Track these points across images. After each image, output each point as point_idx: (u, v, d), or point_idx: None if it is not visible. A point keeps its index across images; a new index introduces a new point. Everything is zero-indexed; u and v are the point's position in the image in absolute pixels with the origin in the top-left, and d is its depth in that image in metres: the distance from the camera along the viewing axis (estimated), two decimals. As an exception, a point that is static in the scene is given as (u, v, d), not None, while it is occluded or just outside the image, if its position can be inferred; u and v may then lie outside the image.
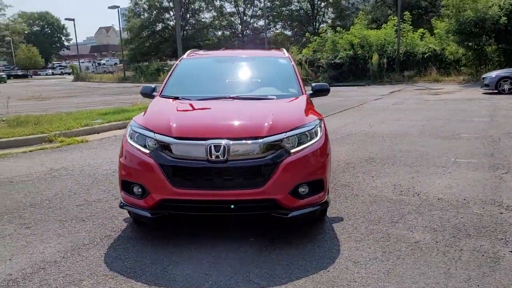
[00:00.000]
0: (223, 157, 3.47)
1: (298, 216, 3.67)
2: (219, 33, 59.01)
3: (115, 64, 65.38)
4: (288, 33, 56.12)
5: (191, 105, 4.34)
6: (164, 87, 4.88)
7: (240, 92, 4.70)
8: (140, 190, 3.64)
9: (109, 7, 48.25)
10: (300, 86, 4.79)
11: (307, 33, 39.77)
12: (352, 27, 31.45)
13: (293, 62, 5.20)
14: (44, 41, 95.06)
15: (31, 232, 4.11)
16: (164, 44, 55.12)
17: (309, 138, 3.78)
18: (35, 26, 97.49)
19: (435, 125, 10.01)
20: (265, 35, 38.73)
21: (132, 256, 3.54)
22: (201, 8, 57.20)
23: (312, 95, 4.86)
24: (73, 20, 53.74)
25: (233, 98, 4.45)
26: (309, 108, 4.32)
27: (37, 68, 77.19)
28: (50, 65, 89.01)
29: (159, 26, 55.84)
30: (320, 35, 33.50)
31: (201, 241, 3.82)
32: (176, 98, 4.55)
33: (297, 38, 51.02)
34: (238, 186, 3.51)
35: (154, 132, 3.69)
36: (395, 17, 29.89)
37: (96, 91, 30.38)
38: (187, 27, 58.45)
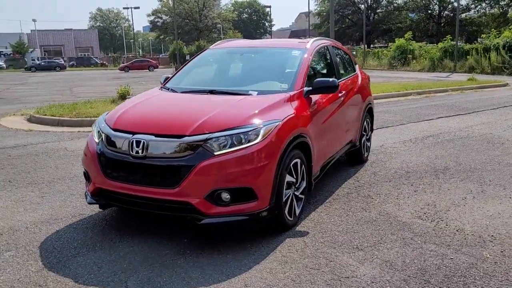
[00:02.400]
0: (142, 153, 3.42)
1: (214, 223, 3.39)
2: (413, 15, 55.05)
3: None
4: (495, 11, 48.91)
5: (159, 97, 4.34)
6: (171, 77, 4.96)
7: (231, 86, 4.49)
8: (87, 176, 3.86)
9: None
10: (297, 81, 4.28)
11: (510, 12, 34.16)
12: None
13: (309, 55, 4.65)
14: (250, 27, 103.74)
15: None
16: (352, 28, 54.33)
17: (243, 141, 3.42)
18: (244, 14, 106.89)
19: None
20: (457, 17, 34.56)
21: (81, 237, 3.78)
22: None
23: (312, 92, 4.31)
24: (269, 6, 57.07)
25: (210, 92, 4.26)
26: (275, 107, 3.83)
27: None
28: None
29: (349, 10, 55.13)
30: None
31: (135, 233, 3.83)
32: (172, 90, 4.59)
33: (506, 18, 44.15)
34: (156, 184, 3.41)
35: (105, 123, 3.84)
36: None
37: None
38: (378, 10, 56.35)
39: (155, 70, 46.26)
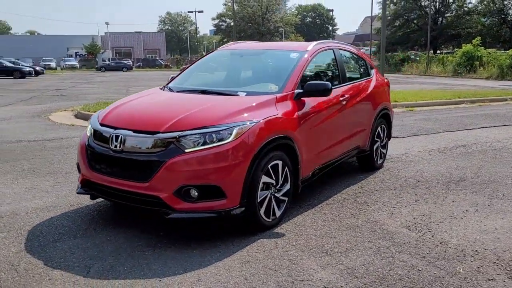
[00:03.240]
0: (119, 147, 3.60)
1: (182, 218, 3.52)
2: (485, 19, 52.15)
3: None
4: None
5: (152, 96, 4.53)
6: (175, 77, 5.15)
7: (226, 86, 4.61)
8: (78, 168, 4.12)
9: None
10: (287, 83, 4.29)
11: None
12: None
13: (306, 58, 4.64)
14: (313, 31, 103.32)
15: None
16: (416, 33, 52.47)
17: (215, 140, 3.50)
18: (308, 18, 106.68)
19: None
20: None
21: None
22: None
23: (303, 95, 4.30)
24: (332, 10, 56.51)
25: (202, 92, 4.38)
26: (257, 108, 3.87)
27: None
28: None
29: (415, 14, 53.28)
30: None
31: (118, 224, 4.02)
32: (170, 89, 4.77)
33: None
34: (130, 177, 3.58)
35: (97, 118, 4.09)
36: None
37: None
38: (447, 14, 54.05)
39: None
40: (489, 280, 3.11)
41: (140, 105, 4.29)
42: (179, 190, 3.44)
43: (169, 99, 4.41)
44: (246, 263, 3.32)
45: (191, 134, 3.49)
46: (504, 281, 3.09)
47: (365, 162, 5.94)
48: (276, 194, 3.97)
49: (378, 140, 5.99)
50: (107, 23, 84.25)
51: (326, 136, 4.70)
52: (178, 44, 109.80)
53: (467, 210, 4.48)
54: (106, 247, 3.55)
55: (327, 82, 4.35)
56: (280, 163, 3.93)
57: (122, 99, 4.60)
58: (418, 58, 43.64)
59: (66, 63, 55.27)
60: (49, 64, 51.90)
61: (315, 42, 5.08)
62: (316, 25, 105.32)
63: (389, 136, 6.39)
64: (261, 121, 3.75)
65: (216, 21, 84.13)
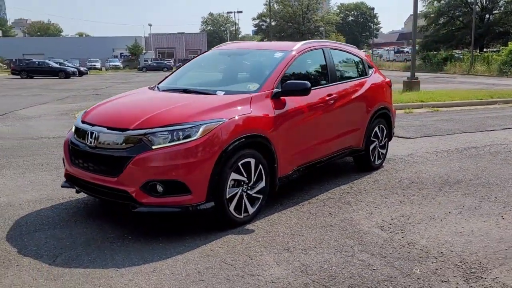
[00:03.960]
0: (93, 143, 3.80)
1: (148, 212, 3.68)
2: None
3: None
4: None
5: (135, 95, 4.71)
6: (167, 76, 5.33)
7: (210, 86, 4.75)
8: (63, 162, 4.36)
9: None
10: (266, 83, 4.36)
11: None
12: None
13: (289, 57, 4.68)
14: (355, 30, 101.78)
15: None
16: (461, 31, 50.59)
17: (181, 137, 3.63)
18: (350, 16, 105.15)
19: None
20: None
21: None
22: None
23: (282, 94, 4.36)
24: (372, 8, 55.48)
25: (184, 91, 4.53)
26: (229, 107, 3.96)
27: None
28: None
29: (460, 11, 51.38)
30: None
31: (99, 216, 4.23)
32: (158, 88, 4.95)
33: None
34: (103, 172, 3.77)
35: (81, 116, 4.32)
36: None
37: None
38: (494, 10, 51.83)
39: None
40: (442, 281, 3.07)
41: (121, 103, 4.48)
42: (146, 185, 3.59)
43: (149, 98, 4.58)
44: (205, 256, 3.43)
45: (158, 132, 3.64)
46: (458, 284, 3.04)
47: (361, 162, 5.90)
48: (248, 192, 4.05)
49: (376, 140, 5.93)
50: (150, 25, 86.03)
51: (309, 135, 4.73)
52: (219, 44, 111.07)
53: (450, 212, 4.40)
54: (79, 238, 3.76)
55: (306, 82, 4.38)
56: (252, 161, 4.01)
57: (109, 98, 4.81)
58: (462, 57, 42.18)
59: (110, 63, 57.25)
60: (94, 65, 53.90)
61: (303, 42, 5.12)
62: (359, 24, 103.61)
63: (389, 137, 6.30)
64: (230, 119, 3.84)
65: (257, 21, 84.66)
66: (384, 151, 6.17)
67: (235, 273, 3.18)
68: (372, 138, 5.83)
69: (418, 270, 3.22)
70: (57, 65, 36.42)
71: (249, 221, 4.10)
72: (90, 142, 3.83)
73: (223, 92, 4.33)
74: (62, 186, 4.31)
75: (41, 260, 3.34)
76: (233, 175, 3.86)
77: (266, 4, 79.91)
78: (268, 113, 4.20)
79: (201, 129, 3.66)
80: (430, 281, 3.08)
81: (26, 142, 7.88)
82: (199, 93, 4.42)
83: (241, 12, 71.52)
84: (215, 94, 4.31)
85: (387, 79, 6.36)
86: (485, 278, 3.11)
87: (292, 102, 4.49)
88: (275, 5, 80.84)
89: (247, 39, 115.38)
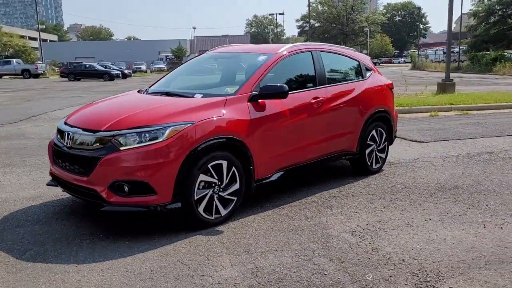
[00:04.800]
0: (69, 144, 4.00)
1: (115, 211, 3.83)
2: None
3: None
4: None
5: (121, 98, 4.87)
6: (159, 79, 5.49)
7: (192, 89, 4.84)
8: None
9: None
10: (244, 86, 4.40)
11: None
12: None
13: (271, 61, 4.69)
14: (403, 30, 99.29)
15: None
16: (513, 29, 48.20)
17: (148, 139, 3.74)
18: (397, 16, 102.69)
19: None
20: None
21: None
22: None
23: (259, 97, 4.39)
24: (419, 8, 53.89)
25: (166, 94, 4.67)
26: (201, 110, 4.04)
27: (387, 56, 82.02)
28: (405, 54, 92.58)
29: (511, 9, 48.95)
30: None
31: (81, 214, 4.42)
32: (146, 91, 5.11)
33: None
34: (76, 172, 3.95)
35: (65, 118, 4.53)
36: None
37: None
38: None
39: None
40: (390, 289, 3.01)
41: (103, 106, 4.65)
42: (113, 185, 3.73)
43: (129, 100, 4.74)
44: (164, 256, 3.52)
45: (127, 133, 3.77)
46: (405, 292, 2.97)
47: (357, 166, 5.81)
48: (220, 193, 4.10)
49: (373, 144, 5.81)
50: (194, 28, 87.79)
51: (292, 137, 4.72)
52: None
53: (430, 219, 4.27)
54: (54, 234, 3.95)
55: (283, 85, 4.38)
56: (224, 163, 4.06)
57: (97, 100, 5.01)
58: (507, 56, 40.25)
59: (155, 66, 58.77)
60: (140, 67, 55.55)
61: (290, 45, 5.12)
62: (406, 24, 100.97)
63: (390, 141, 6.15)
64: (199, 122, 3.91)
65: (300, 23, 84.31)
66: (383, 155, 6.04)
67: (186, 273, 3.24)
68: (368, 142, 5.73)
69: (370, 277, 3.17)
70: (102, 68, 37.91)
71: (222, 222, 4.15)
72: (67, 143, 4.02)
73: (201, 95, 4.41)
74: (47, 185, 4.54)
75: (11, 254, 3.55)
76: (202, 177, 3.93)
77: (310, 6, 79.45)
78: (243, 115, 4.24)
79: (167, 131, 3.76)
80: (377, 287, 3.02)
81: (46, 142, 8.25)
82: (180, 96, 4.52)
83: (282, 14, 71.46)
84: (193, 97, 4.40)
85: (388, 82, 6.22)
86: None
87: (273, 105, 4.51)
88: (318, 6, 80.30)
89: (292, 40, 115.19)
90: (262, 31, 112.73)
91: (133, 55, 71.04)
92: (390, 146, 6.21)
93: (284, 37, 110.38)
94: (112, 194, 3.74)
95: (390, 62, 79.75)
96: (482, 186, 5.28)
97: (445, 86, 16.46)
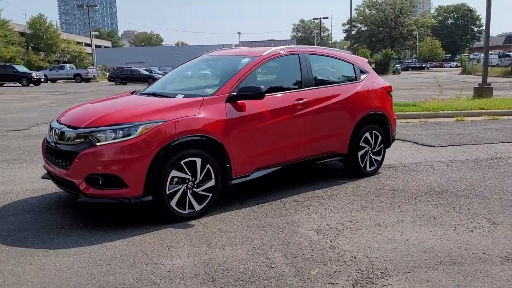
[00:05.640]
0: (55, 140, 4.34)
1: (89, 202, 4.12)
2: None
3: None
4: None
5: (112, 99, 5.16)
6: (153, 83, 5.78)
7: (178, 90, 5.10)
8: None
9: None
10: (223, 87, 4.59)
11: None
12: None
13: (254, 63, 4.85)
14: (455, 33, 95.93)
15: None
16: None
17: (122, 136, 4.01)
18: (449, 19, 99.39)
19: None
20: None
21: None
22: None
23: (236, 98, 4.56)
24: (470, 10, 52.01)
25: (153, 94, 4.95)
26: (176, 109, 4.26)
27: (438, 60, 79.49)
28: (457, 57, 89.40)
29: None
30: None
31: (72, 205, 4.73)
32: (139, 92, 5.41)
33: None
34: (59, 165, 4.28)
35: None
36: None
37: (448, 85, 29.33)
38: None
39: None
40: (329, 283, 3.09)
41: (93, 105, 4.98)
42: (89, 177, 4.02)
43: (117, 101, 5.03)
44: (129, 245, 3.75)
45: (104, 130, 4.05)
46: (343, 287, 3.04)
47: (350, 168, 5.84)
48: (194, 189, 4.30)
49: (367, 146, 5.82)
50: (239, 33, 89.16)
51: (272, 138, 4.84)
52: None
53: (402, 220, 4.27)
54: (40, 223, 4.28)
55: (259, 86, 4.53)
56: (198, 160, 4.26)
57: (91, 100, 5.36)
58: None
59: (200, 70, 60.19)
60: (185, 72, 56.99)
61: (276, 48, 5.25)
62: (459, 27, 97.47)
63: (387, 144, 6.13)
64: (172, 120, 4.14)
65: (347, 27, 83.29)
66: (379, 158, 6.03)
67: (142, 261, 3.46)
68: (361, 144, 5.74)
69: (315, 272, 3.26)
70: (146, 72, 39.27)
71: (196, 217, 4.34)
72: (54, 139, 4.36)
73: (182, 96, 4.64)
74: (42, 177, 4.91)
75: (-4, 239, 3.91)
76: (175, 173, 4.14)
77: (356, 9, 78.52)
78: (219, 115, 4.42)
79: (140, 129, 4.01)
80: (317, 282, 3.11)
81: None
82: (163, 97, 4.78)
83: (326, 18, 71.19)
84: (174, 98, 4.63)
85: (386, 85, 6.20)
86: (376, 284, 3.07)
87: (254, 106, 4.67)
88: (366, 10, 79.18)
89: (338, 45, 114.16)
90: (308, 36, 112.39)
91: (181, 60, 71.95)
92: (397, 150, 6.17)
93: (331, 41, 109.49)
94: (89, 187, 4.03)
95: (441, 66, 77.44)
96: (474, 191, 5.18)
97: (482, 91, 15.91)
